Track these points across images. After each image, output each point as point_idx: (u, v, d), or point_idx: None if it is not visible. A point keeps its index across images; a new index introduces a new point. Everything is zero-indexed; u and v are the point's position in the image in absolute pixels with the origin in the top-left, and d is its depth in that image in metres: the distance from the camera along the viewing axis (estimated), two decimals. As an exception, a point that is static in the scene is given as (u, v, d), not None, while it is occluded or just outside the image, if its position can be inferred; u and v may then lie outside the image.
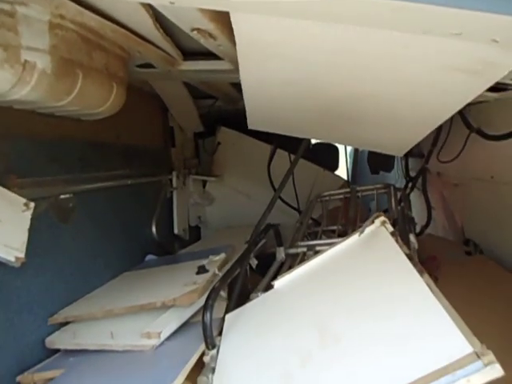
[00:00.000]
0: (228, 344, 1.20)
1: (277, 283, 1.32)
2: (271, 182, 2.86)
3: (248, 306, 1.33)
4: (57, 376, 1.22)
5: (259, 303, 1.30)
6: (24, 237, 1.31)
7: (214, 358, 1.19)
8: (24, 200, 1.37)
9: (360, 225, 2.29)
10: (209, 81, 2.35)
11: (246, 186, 3.56)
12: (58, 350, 1.45)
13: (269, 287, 1.60)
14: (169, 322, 1.35)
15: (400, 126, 1.50)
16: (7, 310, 1.32)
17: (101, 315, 1.43)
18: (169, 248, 2.79)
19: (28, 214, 1.35)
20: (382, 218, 1.23)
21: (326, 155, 3.71)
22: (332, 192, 2.57)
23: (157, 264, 2.19)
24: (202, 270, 1.70)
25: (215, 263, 1.87)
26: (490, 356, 0.65)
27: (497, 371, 0.64)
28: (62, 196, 1.75)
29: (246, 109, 1.69)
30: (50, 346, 1.42)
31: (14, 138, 1.58)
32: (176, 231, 3.02)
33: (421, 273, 0.98)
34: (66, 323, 1.52)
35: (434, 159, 2.54)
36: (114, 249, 2.12)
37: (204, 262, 1.93)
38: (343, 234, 2.11)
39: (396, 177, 3.14)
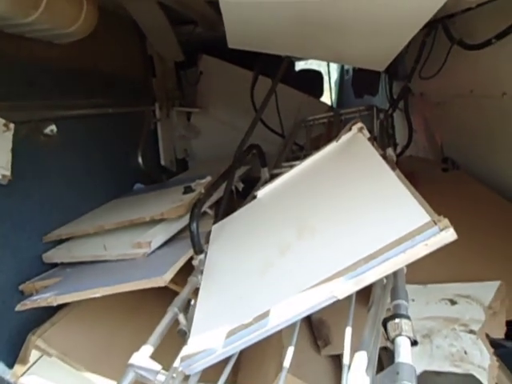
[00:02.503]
0: (214, 249, 1.28)
1: (259, 193, 1.39)
2: (254, 108, 2.83)
3: (233, 216, 1.40)
4: (56, 282, 1.32)
5: (243, 212, 1.37)
6: (8, 156, 1.32)
7: (202, 262, 1.27)
8: (3, 121, 1.36)
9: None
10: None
11: (232, 116, 3.52)
12: (56, 265, 1.53)
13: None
14: (158, 233, 1.42)
15: (380, 32, 1.48)
16: (1, 227, 1.37)
17: (92, 230, 1.50)
18: (156, 178, 2.82)
19: (9, 135, 1.35)
20: (360, 125, 1.26)
21: (310, 82, 3.64)
22: (316, 116, 2.58)
23: (145, 191, 2.24)
24: (188, 189, 1.76)
25: (201, 185, 1.92)
26: (445, 221, 0.72)
27: (451, 234, 0.71)
28: (42, 122, 1.73)
29: (225, 24, 1.63)
30: (48, 261, 1.50)
31: (-14, 60, 1.53)
32: (163, 162, 3.04)
33: (393, 169, 1.04)
34: (61, 241, 1.59)
35: (418, 80, 2.54)
36: (101, 177, 2.15)
37: (191, 184, 1.98)
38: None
39: (380, 100, 3.13)
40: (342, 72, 4.58)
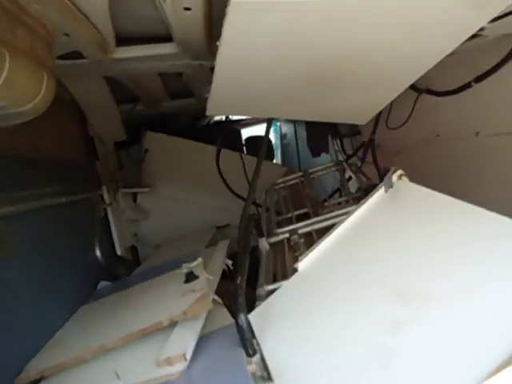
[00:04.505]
0: (272, 343, 1.02)
1: (300, 265, 1.18)
2: (223, 179, 2.68)
3: (273, 297, 1.16)
4: None
5: (288, 290, 1.14)
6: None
7: (261, 365, 1.00)
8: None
9: (329, 205, 2.28)
10: (140, 73, 2.08)
11: (182, 192, 3.30)
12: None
13: (276, 279, 1.45)
14: (186, 339, 1.10)
15: (374, 86, 1.48)
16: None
17: (90, 355, 1.11)
18: (114, 272, 2.42)
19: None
20: (400, 172, 1.18)
21: (259, 147, 3.64)
22: (286, 178, 2.50)
23: (117, 289, 1.86)
24: (191, 277, 1.47)
25: (198, 268, 1.64)
26: None
27: None
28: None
29: (212, 91, 1.50)
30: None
31: None
32: (119, 252, 2.64)
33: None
34: (38, 381, 1.15)
35: (368, 134, 2.66)
36: (60, 280, 1.73)
37: (182, 270, 1.69)
38: (318, 215, 2.06)
39: (332, 157, 3.22)
40: (281, 136, 4.76)
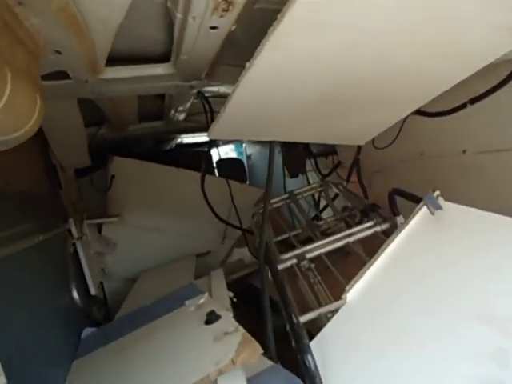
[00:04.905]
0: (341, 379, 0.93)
1: (349, 295, 1.11)
2: (208, 204, 2.54)
3: (325, 333, 1.08)
4: None
5: (341, 323, 1.06)
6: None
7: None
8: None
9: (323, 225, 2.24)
10: (124, 95, 1.92)
11: (153, 219, 3.09)
12: None
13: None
14: (238, 394, 0.97)
15: (389, 106, 1.49)
16: None
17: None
18: (91, 314, 2.16)
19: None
20: (438, 192, 1.17)
21: (232, 169, 3.55)
22: (272, 201, 2.44)
23: (108, 338, 1.63)
24: (213, 316, 1.33)
25: (207, 305, 1.51)
26: None
27: None
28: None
29: (223, 115, 1.40)
30: None
31: None
32: (92, 291, 2.37)
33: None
34: None
35: (348, 151, 2.70)
36: (44, 335, 1.49)
37: (189, 309, 1.54)
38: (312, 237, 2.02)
39: (305, 178, 3.23)
40: (247, 158, 4.70)
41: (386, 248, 1.16)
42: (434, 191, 1.18)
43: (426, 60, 1.19)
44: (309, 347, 0.92)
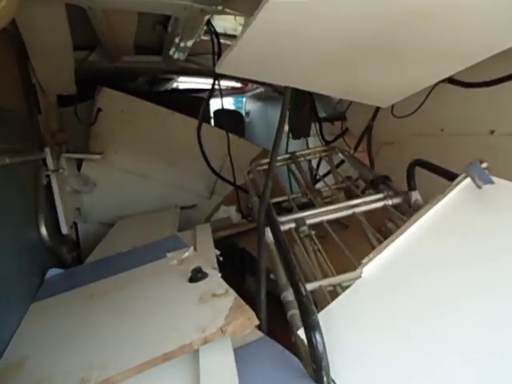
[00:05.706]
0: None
1: (365, 270, 0.94)
2: (203, 154, 2.32)
3: (331, 310, 0.91)
4: None
5: (353, 296, 0.90)
6: None
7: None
8: None
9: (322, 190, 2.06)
10: (124, 8, 1.63)
11: (138, 163, 2.86)
12: None
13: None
14: (223, 370, 0.81)
15: (427, 62, 1.28)
16: None
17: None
18: (59, 254, 1.96)
19: None
20: (486, 164, 0.99)
21: (230, 122, 3.29)
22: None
23: (76, 282, 1.45)
24: (198, 274, 1.15)
25: (192, 260, 1.33)
26: None
27: None
28: None
29: (236, 46, 1.15)
30: None
31: None
32: (64, 230, 2.17)
33: None
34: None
35: (355, 119, 2.50)
36: (2, 267, 1.29)
37: (172, 262, 1.36)
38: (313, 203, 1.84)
39: (301, 142, 3.03)
40: (245, 114, 4.43)
41: (413, 223, 0.99)
42: (481, 162, 1.00)
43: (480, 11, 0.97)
44: (318, 324, 0.75)
